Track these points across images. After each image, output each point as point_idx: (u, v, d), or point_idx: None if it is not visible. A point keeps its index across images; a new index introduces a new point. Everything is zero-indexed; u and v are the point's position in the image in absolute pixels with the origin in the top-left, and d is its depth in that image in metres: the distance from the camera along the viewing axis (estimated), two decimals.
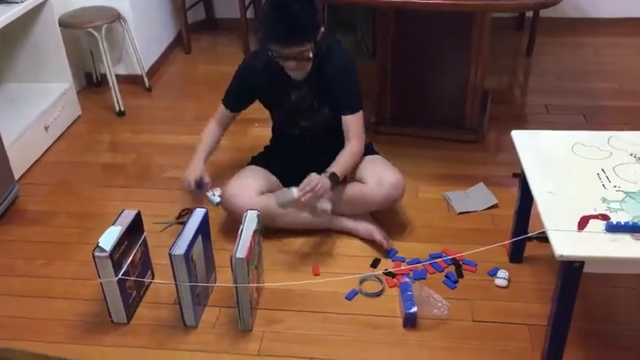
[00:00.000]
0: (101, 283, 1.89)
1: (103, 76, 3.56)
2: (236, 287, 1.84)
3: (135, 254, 1.99)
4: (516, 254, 2.15)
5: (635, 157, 1.81)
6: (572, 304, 1.58)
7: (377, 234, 2.24)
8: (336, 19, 3.80)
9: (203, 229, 1.96)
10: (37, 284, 2.17)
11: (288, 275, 2.14)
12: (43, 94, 3.07)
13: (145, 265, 2.08)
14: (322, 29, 2.08)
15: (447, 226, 2.37)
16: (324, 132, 2.29)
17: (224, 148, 2.97)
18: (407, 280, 2.02)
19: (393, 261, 2.20)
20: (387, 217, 2.35)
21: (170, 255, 1.81)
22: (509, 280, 2.07)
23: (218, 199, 2.51)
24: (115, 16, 3.27)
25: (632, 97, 3.27)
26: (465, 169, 2.72)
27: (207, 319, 1.99)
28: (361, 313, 1.99)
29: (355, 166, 2.24)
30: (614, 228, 1.51)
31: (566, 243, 1.48)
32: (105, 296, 1.92)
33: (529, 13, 3.97)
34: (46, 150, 2.99)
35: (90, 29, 3.16)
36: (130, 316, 1.99)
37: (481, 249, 1.99)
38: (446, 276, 2.11)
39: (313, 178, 2.04)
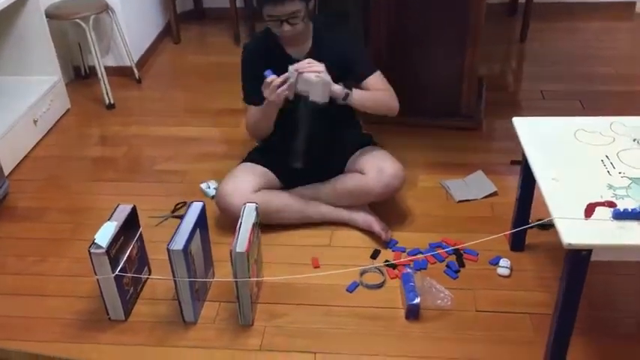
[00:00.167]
0: (98, 280, 1.84)
1: (92, 69, 3.50)
2: (236, 282, 1.81)
3: (131, 250, 1.94)
4: (517, 243, 2.13)
5: (638, 142, 1.79)
6: (580, 294, 1.56)
7: (376, 225, 2.21)
8: (328, 7, 3.75)
9: (201, 222, 1.92)
10: (29, 282, 2.13)
11: (287, 269, 2.11)
12: (31, 88, 3.00)
13: (141, 260, 2.04)
14: None
15: (447, 215, 2.35)
16: (323, 122, 2.23)
17: (216, 141, 2.94)
18: (409, 270, 1.99)
19: (393, 251, 2.17)
20: (386, 207, 2.32)
21: (168, 250, 1.77)
22: (511, 269, 2.05)
23: (214, 192, 2.47)
24: (103, 7, 3.20)
25: (629, 82, 3.26)
26: (462, 157, 2.70)
27: (206, 314, 1.95)
28: (363, 306, 1.96)
29: (375, 111, 2.16)
30: (621, 215, 1.48)
31: (573, 231, 1.46)
32: (102, 293, 1.88)
33: None
34: (36, 144, 2.93)
35: (77, 20, 3.09)
36: (127, 313, 1.95)
37: (483, 239, 1.96)
38: (447, 266, 2.09)
39: (318, 66, 1.98)
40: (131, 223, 1.96)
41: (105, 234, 1.82)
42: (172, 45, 4.00)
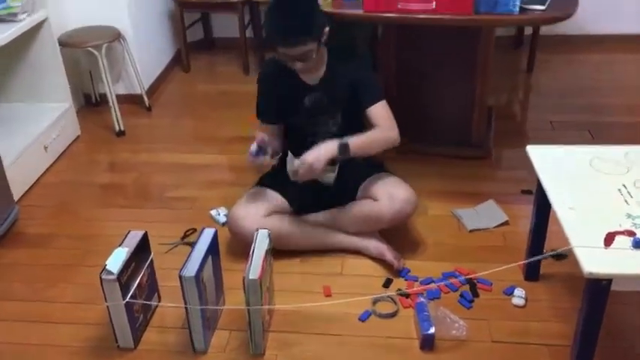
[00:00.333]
0: (108, 307, 1.82)
1: (102, 96, 3.52)
2: (248, 309, 1.78)
3: (142, 276, 1.92)
4: (532, 272, 2.10)
5: None
6: (600, 324, 1.53)
7: (388, 253, 2.19)
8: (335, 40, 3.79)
9: (213, 249, 1.91)
10: (37, 308, 2.10)
11: (298, 297, 2.08)
12: (42, 114, 3.02)
13: (151, 287, 2.02)
14: (327, 29, 2.05)
15: (459, 244, 2.33)
16: None
17: (226, 168, 2.94)
18: (422, 300, 1.96)
19: (405, 280, 2.15)
20: (397, 235, 2.30)
21: (180, 277, 1.75)
22: (526, 299, 2.02)
23: (224, 219, 2.46)
24: (115, 36, 3.24)
25: (636, 113, 3.27)
26: (473, 185, 2.69)
27: (217, 343, 1.92)
28: (376, 335, 1.93)
29: (377, 150, 2.18)
30: None
31: (593, 260, 1.44)
32: (111, 320, 1.85)
33: (528, 31, 3.98)
34: (46, 170, 2.93)
35: (90, 48, 3.12)
36: (137, 340, 1.92)
37: (498, 269, 1.94)
38: (461, 295, 2.06)
39: (308, 157, 2.02)
40: (142, 250, 1.94)
41: (116, 260, 1.80)
42: (182, 74, 4.03)
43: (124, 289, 1.80)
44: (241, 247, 2.24)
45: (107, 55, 3.22)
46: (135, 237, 1.93)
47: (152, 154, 3.09)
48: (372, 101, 2.17)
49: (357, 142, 2.10)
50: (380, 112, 2.17)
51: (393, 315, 2.00)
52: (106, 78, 3.19)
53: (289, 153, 2.13)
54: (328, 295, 2.09)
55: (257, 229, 1.93)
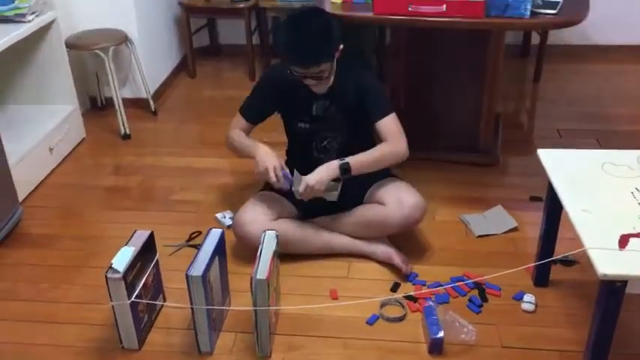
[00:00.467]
0: (113, 307, 1.80)
1: (108, 100, 3.51)
2: (255, 311, 1.76)
3: (148, 276, 1.90)
4: (541, 278, 2.08)
5: None
6: (614, 327, 1.51)
7: (396, 257, 2.17)
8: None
9: (219, 250, 1.89)
10: (41, 309, 2.08)
11: (305, 300, 2.05)
12: (47, 116, 3.01)
13: (156, 288, 2.00)
14: (341, 46, 2.04)
15: (467, 250, 2.30)
16: (342, 155, 2.22)
17: (231, 172, 2.92)
18: (431, 303, 1.93)
19: (413, 284, 2.12)
20: (405, 240, 2.28)
21: (187, 276, 1.73)
22: (536, 305, 1.99)
23: (229, 222, 2.44)
24: (122, 39, 3.24)
25: None
26: (480, 192, 2.67)
27: (222, 344, 1.90)
28: (384, 339, 1.90)
29: (385, 166, 2.17)
30: None
31: (608, 262, 1.42)
32: (116, 320, 1.83)
33: (534, 40, 3.98)
34: (51, 172, 2.91)
35: (97, 51, 3.12)
36: (141, 341, 1.89)
37: (507, 271, 1.93)
38: (469, 300, 2.04)
39: (310, 180, 2.03)
40: (148, 249, 1.93)
41: (122, 259, 1.78)
42: (188, 79, 4.03)
43: (130, 289, 1.78)
44: (246, 250, 2.22)
45: (114, 59, 3.21)
46: (141, 236, 1.91)
47: (157, 158, 3.08)
48: (381, 115, 2.13)
49: (359, 160, 2.09)
50: (389, 125, 2.13)
51: (400, 319, 1.97)
52: (113, 81, 3.18)
53: (295, 171, 2.12)
54: (335, 298, 2.07)
55: (264, 231, 1.91)
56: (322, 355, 1.85)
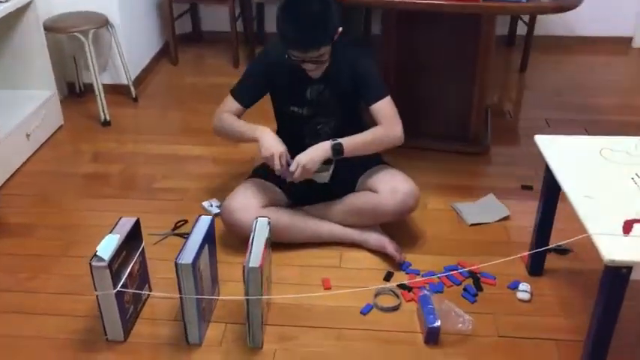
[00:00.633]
0: (97, 297, 1.72)
1: (87, 86, 3.40)
2: (247, 300, 1.69)
3: (133, 265, 1.82)
4: (536, 267, 2.05)
5: None
6: (617, 315, 1.48)
7: (389, 245, 2.12)
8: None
9: (209, 238, 1.81)
10: (20, 299, 1.99)
11: (296, 289, 2.00)
12: (24, 101, 2.90)
13: (142, 277, 1.92)
14: (340, 29, 1.98)
15: (460, 238, 2.27)
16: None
17: (216, 160, 2.84)
18: (426, 292, 1.89)
19: (407, 274, 2.08)
20: (397, 228, 2.23)
21: (176, 264, 1.66)
22: (531, 294, 1.96)
23: (216, 210, 2.37)
24: (103, 22, 3.13)
25: (631, 112, 3.26)
26: (471, 180, 2.64)
27: (212, 336, 1.83)
28: (378, 329, 1.86)
29: (378, 149, 2.12)
30: None
31: (614, 248, 1.39)
32: (100, 311, 1.75)
33: (521, 31, 3.97)
34: (27, 159, 2.81)
35: (76, 34, 3.01)
36: (127, 333, 1.82)
37: (502, 260, 1.90)
38: (464, 289, 2.00)
39: (302, 158, 1.98)
40: (134, 237, 1.85)
41: (107, 246, 1.70)
42: (170, 66, 3.93)
43: (115, 278, 1.70)
44: (234, 238, 2.16)
45: (94, 43, 3.10)
46: (126, 224, 1.83)
47: (139, 145, 2.99)
48: (376, 98, 2.08)
49: (352, 141, 2.04)
50: (384, 109, 2.08)
51: (395, 308, 1.92)
52: (93, 65, 3.07)
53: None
54: (328, 287, 2.02)
55: (256, 218, 1.84)
56: (316, 345, 1.80)
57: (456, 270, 2.06)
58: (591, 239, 1.43)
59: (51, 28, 3.01)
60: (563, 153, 1.80)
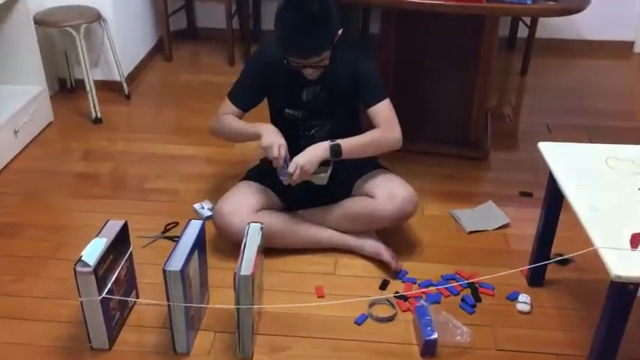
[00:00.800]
0: (82, 303, 1.65)
1: (78, 82, 3.32)
2: (238, 309, 1.63)
3: (120, 270, 1.76)
4: (537, 278, 1.99)
5: None
6: (622, 333, 1.42)
7: (385, 253, 2.06)
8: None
9: (199, 243, 1.75)
10: (4, 303, 1.92)
11: (289, 297, 1.94)
12: (12, 96, 2.83)
13: (130, 283, 1.85)
14: (340, 31, 1.91)
15: (458, 246, 2.21)
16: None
17: (209, 161, 2.78)
18: (423, 303, 1.83)
19: (403, 282, 2.02)
20: (393, 235, 2.17)
21: (164, 271, 1.59)
22: (531, 305, 1.91)
23: (208, 213, 2.30)
24: (95, 17, 3.05)
25: (633, 118, 3.21)
26: (470, 186, 2.58)
27: (200, 345, 1.76)
28: (373, 340, 1.79)
29: (376, 152, 2.08)
30: None
31: (621, 263, 1.33)
32: (85, 318, 1.68)
33: (521, 33, 3.91)
34: (15, 156, 2.73)
35: (68, 28, 2.93)
36: (112, 341, 1.75)
37: (502, 273, 1.84)
38: (462, 299, 1.94)
39: (299, 160, 1.91)
40: (121, 241, 1.78)
41: (93, 251, 1.63)
42: (164, 62, 3.85)
43: (101, 284, 1.63)
44: (226, 243, 2.09)
45: (85, 38, 3.03)
46: (114, 227, 1.76)
47: (131, 144, 2.91)
48: (376, 99, 2.02)
49: (350, 143, 1.98)
50: (383, 111, 2.03)
51: (390, 319, 1.86)
52: (84, 61, 3.00)
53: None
54: (321, 296, 1.95)
55: (248, 223, 1.78)
56: (308, 357, 1.74)
57: (454, 279, 2.00)
58: (596, 252, 1.37)
59: (42, 21, 2.93)
60: (567, 161, 1.74)
